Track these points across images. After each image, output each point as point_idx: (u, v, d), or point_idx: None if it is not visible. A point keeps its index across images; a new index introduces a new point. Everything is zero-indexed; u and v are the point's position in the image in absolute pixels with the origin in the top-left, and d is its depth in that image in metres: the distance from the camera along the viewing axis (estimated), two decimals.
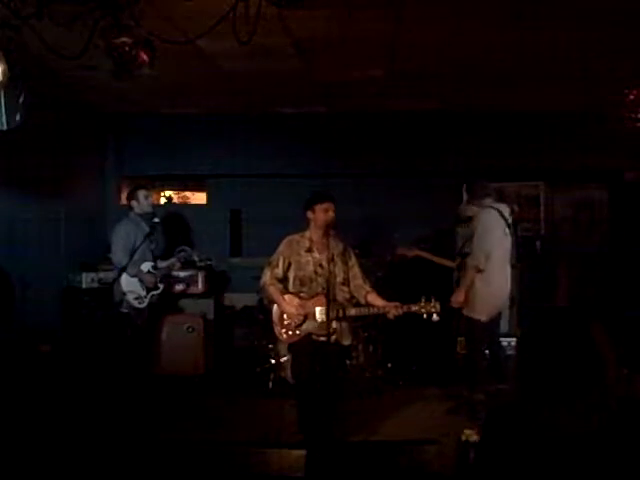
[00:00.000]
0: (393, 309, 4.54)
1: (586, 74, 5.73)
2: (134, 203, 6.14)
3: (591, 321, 1.97)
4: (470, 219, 5.63)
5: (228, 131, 7.69)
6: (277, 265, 4.76)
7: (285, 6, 3.82)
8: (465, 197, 5.72)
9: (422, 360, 6.82)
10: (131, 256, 5.87)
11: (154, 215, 6.15)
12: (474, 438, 3.64)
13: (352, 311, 4.62)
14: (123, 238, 6.00)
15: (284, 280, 4.80)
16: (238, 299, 7.61)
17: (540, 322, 2.09)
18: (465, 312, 5.43)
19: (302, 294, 4.72)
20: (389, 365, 6.57)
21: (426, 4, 4.19)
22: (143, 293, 6.01)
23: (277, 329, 4.76)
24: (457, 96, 6.70)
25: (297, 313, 4.64)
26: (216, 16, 3.70)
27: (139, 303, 5.98)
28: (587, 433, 1.85)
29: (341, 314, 4.58)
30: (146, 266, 6.04)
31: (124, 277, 5.89)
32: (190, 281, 7.06)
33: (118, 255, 5.97)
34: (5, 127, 4.25)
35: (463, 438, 3.73)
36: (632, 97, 5.76)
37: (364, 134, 7.59)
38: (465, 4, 4.18)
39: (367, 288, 4.80)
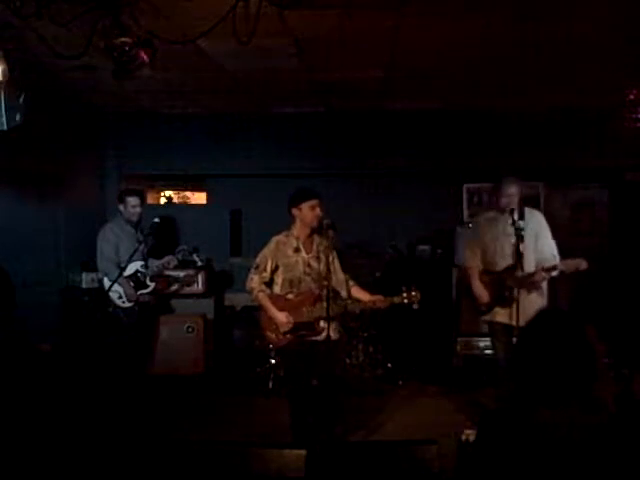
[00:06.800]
0: (377, 303, 4.54)
1: (586, 74, 5.73)
2: (121, 207, 6.08)
3: (584, 322, 1.98)
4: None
5: (228, 131, 7.68)
6: (265, 269, 4.66)
7: (285, 6, 3.83)
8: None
9: (422, 360, 6.83)
10: (114, 260, 5.89)
11: (140, 223, 6.12)
12: (474, 438, 3.63)
13: (337, 309, 4.55)
14: (103, 244, 5.98)
15: (270, 281, 4.72)
16: (238, 299, 7.61)
17: (536, 323, 2.10)
18: None
19: (289, 295, 4.66)
20: (389, 365, 6.57)
21: (426, 4, 4.19)
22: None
23: (267, 334, 4.70)
24: (457, 96, 6.70)
25: (287, 322, 4.57)
26: (216, 16, 3.71)
27: (123, 302, 5.95)
28: (583, 432, 1.85)
29: (335, 311, 4.51)
30: (135, 265, 6.00)
31: (106, 277, 5.89)
32: (190, 281, 7.06)
33: (99, 262, 5.98)
34: (5, 127, 4.24)
35: (463, 438, 3.73)
36: (632, 97, 5.75)
37: (364, 134, 7.59)
38: (465, 4, 4.18)
39: (350, 281, 4.74)
